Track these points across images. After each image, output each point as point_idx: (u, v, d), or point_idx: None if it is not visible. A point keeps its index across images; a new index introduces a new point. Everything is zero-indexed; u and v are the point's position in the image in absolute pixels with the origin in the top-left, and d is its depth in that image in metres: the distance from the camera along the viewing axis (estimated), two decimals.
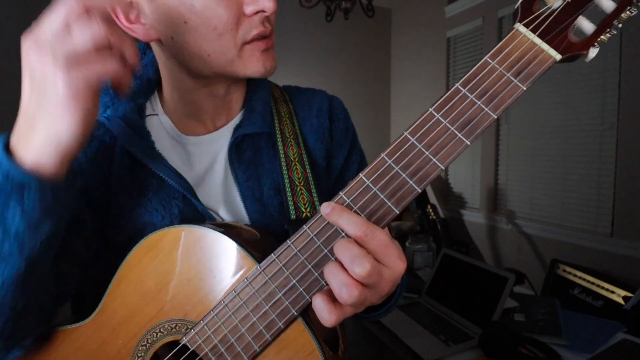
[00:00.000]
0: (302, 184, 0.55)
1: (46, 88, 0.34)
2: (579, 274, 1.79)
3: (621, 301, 1.57)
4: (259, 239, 0.49)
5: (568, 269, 1.84)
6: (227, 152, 0.56)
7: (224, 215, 0.54)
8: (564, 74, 2.30)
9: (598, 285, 1.69)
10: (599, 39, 0.37)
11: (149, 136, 0.52)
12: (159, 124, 0.56)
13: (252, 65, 0.50)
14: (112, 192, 0.51)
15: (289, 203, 0.54)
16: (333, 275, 0.36)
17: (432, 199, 3.30)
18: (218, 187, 0.55)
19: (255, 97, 0.59)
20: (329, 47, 3.46)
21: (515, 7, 0.39)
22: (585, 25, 0.37)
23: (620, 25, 0.36)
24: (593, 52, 0.38)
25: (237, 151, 0.56)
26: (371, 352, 1.47)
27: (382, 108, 3.80)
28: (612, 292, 1.62)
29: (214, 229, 0.45)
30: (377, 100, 3.76)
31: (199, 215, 0.52)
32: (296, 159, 0.57)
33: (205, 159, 0.56)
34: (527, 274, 1.64)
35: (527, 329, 1.14)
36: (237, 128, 0.56)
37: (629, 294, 1.55)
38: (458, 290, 1.35)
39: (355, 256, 0.35)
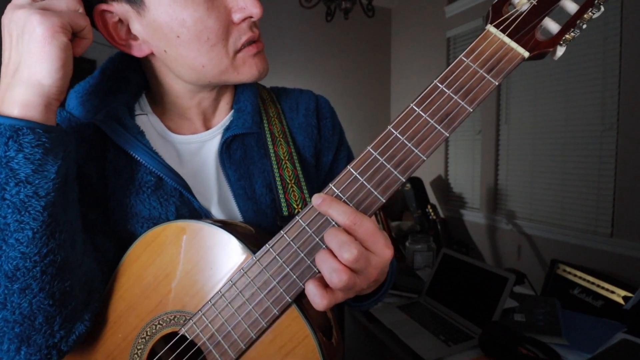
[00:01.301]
0: (292, 181, 0.57)
1: (24, 33, 0.38)
2: (579, 274, 1.79)
3: (621, 301, 1.57)
4: (254, 233, 0.50)
5: (568, 269, 1.84)
6: (218, 152, 0.57)
7: (217, 214, 0.55)
8: (564, 74, 2.30)
9: (598, 285, 1.69)
10: (564, 38, 0.40)
11: (144, 136, 0.53)
12: (148, 124, 0.57)
13: (246, 71, 0.52)
14: (110, 189, 0.52)
15: (281, 200, 0.56)
16: (323, 262, 0.38)
17: (432, 199, 3.30)
18: (210, 187, 0.56)
19: (243, 98, 0.60)
20: (329, 47, 3.46)
21: (487, 10, 0.43)
22: (551, 25, 0.40)
23: (584, 26, 0.40)
24: (560, 50, 0.41)
25: (228, 151, 0.57)
26: (371, 352, 1.47)
27: (382, 108, 3.80)
28: (612, 292, 1.62)
29: (211, 223, 0.46)
30: (377, 100, 3.76)
31: (196, 212, 0.53)
32: (286, 158, 0.58)
33: (196, 158, 0.57)
34: (527, 274, 1.64)
35: (527, 329, 1.14)
36: (227, 129, 0.58)
37: (629, 294, 1.55)
38: (458, 290, 1.35)
39: (343, 242, 0.37)
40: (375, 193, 0.41)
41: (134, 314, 0.48)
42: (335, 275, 0.37)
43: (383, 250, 0.40)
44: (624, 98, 2.02)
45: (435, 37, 3.23)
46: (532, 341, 1.06)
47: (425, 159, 0.40)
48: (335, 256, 0.38)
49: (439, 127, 0.40)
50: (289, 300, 0.42)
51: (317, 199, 0.40)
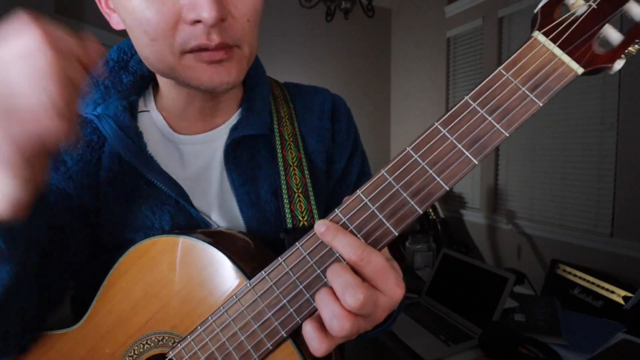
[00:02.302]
0: (300, 190, 0.53)
1: None
2: (579, 274, 1.79)
3: (621, 301, 1.57)
4: (252, 249, 0.47)
5: (568, 269, 1.84)
6: (223, 153, 0.53)
7: (218, 220, 0.52)
8: None
9: (598, 285, 1.69)
10: (626, 51, 0.33)
11: (141, 137, 0.50)
12: (151, 121, 0.54)
13: (194, 77, 0.44)
14: (102, 195, 0.49)
15: (286, 210, 0.51)
16: (325, 304, 0.34)
17: None
18: (212, 191, 0.53)
19: (254, 96, 0.55)
20: (329, 47, 3.47)
21: (535, 11, 0.35)
22: (612, 34, 0.34)
23: None
24: (619, 64, 0.34)
25: (234, 153, 0.52)
26: (371, 352, 1.47)
27: (382, 108, 3.81)
28: (612, 292, 1.62)
29: (205, 240, 0.43)
30: (377, 100, 3.76)
31: (193, 220, 0.50)
32: (295, 164, 0.54)
33: (199, 160, 0.53)
34: (527, 274, 1.64)
35: (527, 329, 1.14)
36: (234, 128, 0.53)
37: (629, 294, 1.55)
38: (458, 290, 1.35)
39: (347, 285, 0.33)
40: (388, 224, 0.36)
41: (122, 330, 0.46)
42: (337, 322, 0.33)
43: (394, 290, 0.35)
44: (624, 98, 2.02)
45: (435, 37, 3.23)
46: (532, 341, 1.06)
47: (448, 189, 0.35)
48: (337, 298, 0.34)
49: (467, 153, 0.34)
50: (284, 335, 0.38)
51: (320, 227, 0.36)
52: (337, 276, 0.34)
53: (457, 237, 3.08)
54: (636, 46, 0.33)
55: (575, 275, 1.80)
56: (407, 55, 3.62)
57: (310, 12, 2.85)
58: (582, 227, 2.25)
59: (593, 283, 1.71)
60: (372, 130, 3.68)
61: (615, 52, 0.33)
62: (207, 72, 0.44)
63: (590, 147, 2.20)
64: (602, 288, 1.67)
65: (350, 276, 0.34)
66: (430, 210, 2.88)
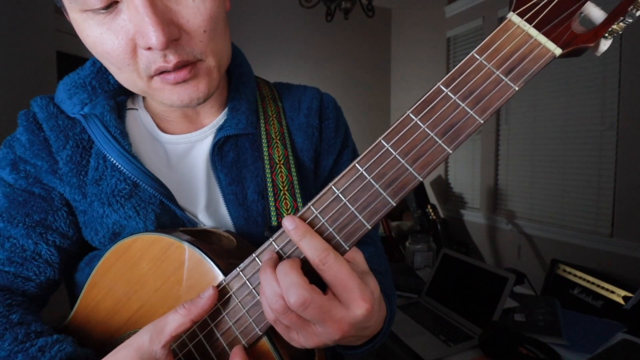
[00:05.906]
0: (286, 188, 0.52)
1: None
2: (579, 274, 1.79)
3: (621, 301, 1.57)
4: (234, 247, 0.47)
5: (568, 269, 1.84)
6: (209, 153, 0.53)
7: (205, 220, 0.52)
8: (564, 73, 2.30)
9: (598, 285, 1.69)
10: (610, 29, 0.31)
11: (126, 137, 0.50)
12: (139, 120, 0.54)
13: (165, 97, 0.45)
14: (88, 194, 0.49)
15: (271, 209, 0.51)
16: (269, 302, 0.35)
17: (432, 199, 3.30)
18: (199, 191, 0.53)
19: (239, 96, 0.56)
20: (329, 47, 3.47)
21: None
22: (595, 12, 0.32)
23: (638, 13, 0.31)
24: (605, 45, 0.32)
25: (220, 153, 0.53)
26: (371, 352, 1.46)
27: (381, 108, 3.81)
28: (612, 292, 1.62)
29: (182, 238, 0.43)
30: (376, 101, 3.77)
31: (178, 220, 0.50)
32: (281, 162, 0.54)
33: (186, 160, 0.53)
34: (527, 274, 1.64)
35: (527, 329, 1.14)
36: (220, 128, 0.53)
37: (629, 294, 1.55)
38: (458, 290, 1.35)
39: (292, 284, 0.33)
40: (360, 217, 0.35)
41: (104, 328, 0.46)
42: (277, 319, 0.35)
43: (355, 303, 0.33)
44: (624, 98, 2.02)
45: (435, 37, 3.23)
46: (532, 341, 1.05)
47: (421, 179, 0.34)
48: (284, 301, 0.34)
49: (439, 141, 0.33)
50: (259, 332, 0.38)
51: (290, 224, 0.35)
52: (284, 274, 0.34)
53: (457, 237, 3.08)
54: (621, 24, 0.31)
55: (575, 275, 1.80)
56: (407, 55, 3.62)
57: (310, 12, 2.86)
58: (582, 227, 2.25)
59: (593, 283, 1.71)
60: (372, 131, 3.68)
61: (597, 31, 0.31)
62: (175, 93, 0.44)
63: (590, 147, 2.20)
64: (602, 288, 1.67)
65: (297, 275, 0.33)
66: (430, 210, 2.88)
